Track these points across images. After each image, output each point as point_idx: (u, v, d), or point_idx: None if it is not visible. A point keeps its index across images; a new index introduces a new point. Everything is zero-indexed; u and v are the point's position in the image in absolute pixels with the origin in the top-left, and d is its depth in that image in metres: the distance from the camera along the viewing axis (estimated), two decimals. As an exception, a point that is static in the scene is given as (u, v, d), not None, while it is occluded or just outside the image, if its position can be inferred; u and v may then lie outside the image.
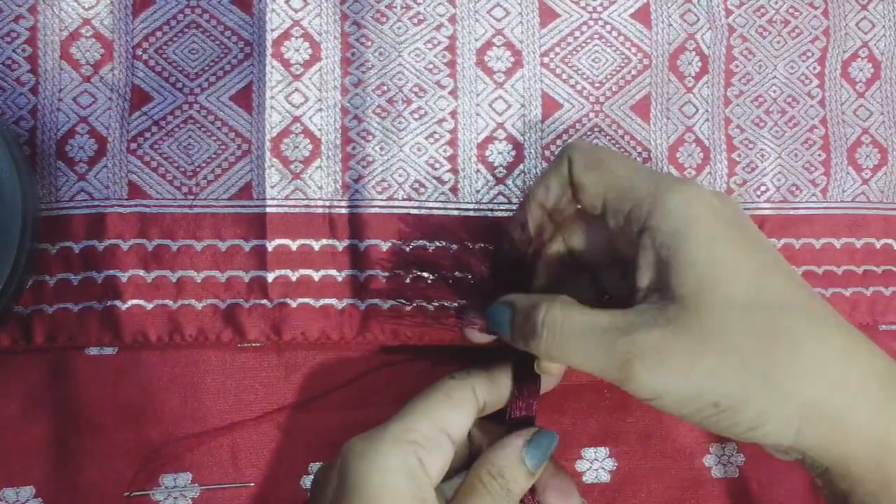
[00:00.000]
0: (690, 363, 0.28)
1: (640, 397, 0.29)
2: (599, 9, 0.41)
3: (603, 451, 0.40)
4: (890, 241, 0.42)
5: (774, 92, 0.42)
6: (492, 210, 0.38)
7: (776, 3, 0.43)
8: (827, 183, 0.42)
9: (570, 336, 0.30)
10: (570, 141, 0.37)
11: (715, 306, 0.28)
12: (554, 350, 0.30)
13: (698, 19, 0.42)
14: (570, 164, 0.32)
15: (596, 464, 0.40)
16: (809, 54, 0.43)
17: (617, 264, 0.33)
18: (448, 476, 0.32)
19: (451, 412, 0.32)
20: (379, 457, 0.30)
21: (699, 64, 0.42)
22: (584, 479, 0.39)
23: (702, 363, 0.28)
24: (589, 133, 0.40)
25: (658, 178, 0.31)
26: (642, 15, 0.41)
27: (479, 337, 0.34)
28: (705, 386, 0.28)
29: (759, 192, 0.41)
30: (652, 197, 0.30)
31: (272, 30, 0.38)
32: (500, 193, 0.38)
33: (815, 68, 0.43)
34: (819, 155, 0.42)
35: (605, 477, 0.40)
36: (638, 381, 0.28)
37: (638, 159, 0.40)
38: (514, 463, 0.32)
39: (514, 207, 0.38)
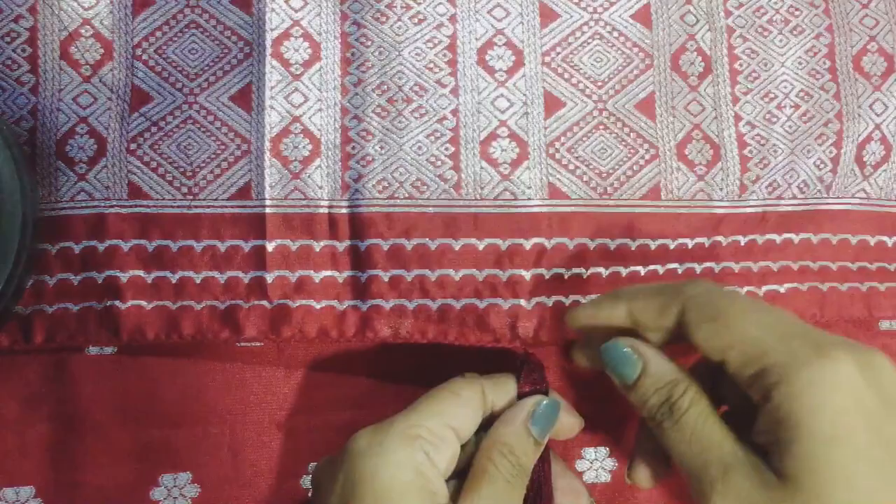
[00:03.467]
0: None
1: None
2: (600, 9, 0.41)
3: (603, 451, 0.40)
4: (884, 238, 0.42)
5: (785, 87, 0.42)
6: (498, 207, 0.38)
7: (776, 3, 0.43)
8: (832, 180, 0.41)
9: (681, 430, 0.30)
10: (687, 282, 0.33)
11: None
12: (662, 432, 0.31)
13: (697, 20, 0.42)
14: (683, 311, 0.31)
15: (596, 464, 0.40)
16: (816, 50, 0.43)
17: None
18: (459, 472, 0.33)
19: (457, 409, 0.33)
20: (385, 452, 0.30)
21: (702, 64, 0.41)
22: (584, 478, 0.39)
23: None
24: (594, 130, 0.39)
25: (794, 342, 0.28)
26: (643, 16, 0.41)
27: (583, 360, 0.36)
28: None
29: (770, 189, 0.41)
30: (782, 369, 0.28)
31: (272, 29, 0.38)
32: (505, 189, 0.38)
33: (825, 63, 0.43)
34: (830, 151, 0.41)
35: (605, 477, 0.40)
36: None
37: (646, 156, 0.39)
38: (521, 437, 0.32)
39: (521, 204, 0.38)
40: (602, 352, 0.33)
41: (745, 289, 0.39)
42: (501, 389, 0.34)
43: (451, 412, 0.32)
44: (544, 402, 0.34)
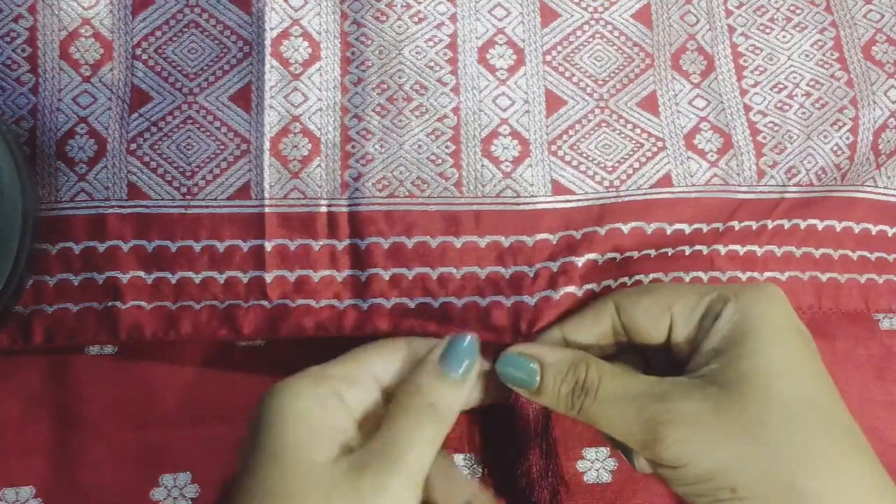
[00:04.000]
0: (723, 440, 0.28)
1: (663, 462, 0.29)
2: (600, 9, 0.41)
3: (604, 451, 0.40)
4: (885, 227, 0.42)
5: (795, 78, 0.42)
6: (501, 204, 0.38)
7: (776, 2, 0.43)
8: (849, 168, 0.41)
9: (604, 399, 0.31)
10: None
11: (763, 397, 0.29)
12: (588, 414, 0.31)
13: (698, 20, 0.41)
14: (617, 308, 0.33)
15: (597, 464, 0.40)
16: (822, 43, 0.42)
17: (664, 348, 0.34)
18: None
19: (376, 355, 0.32)
20: (289, 387, 0.29)
21: (703, 62, 0.41)
22: (585, 478, 0.39)
23: (735, 444, 0.28)
24: (596, 128, 0.39)
25: (727, 286, 0.33)
26: (643, 15, 0.41)
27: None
28: (732, 466, 0.28)
29: (789, 175, 0.40)
30: (728, 294, 0.31)
31: (271, 28, 0.38)
32: (507, 187, 0.38)
33: (833, 54, 0.42)
34: (847, 137, 0.41)
35: (606, 477, 0.39)
36: (666, 443, 0.29)
37: (653, 148, 0.39)
38: (430, 375, 0.31)
39: (525, 201, 0.38)
40: (499, 372, 0.33)
41: (747, 274, 0.39)
42: (430, 344, 0.33)
43: (369, 358, 0.32)
44: (455, 337, 0.32)
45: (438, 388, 0.31)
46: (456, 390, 0.31)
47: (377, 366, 0.32)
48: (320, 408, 0.29)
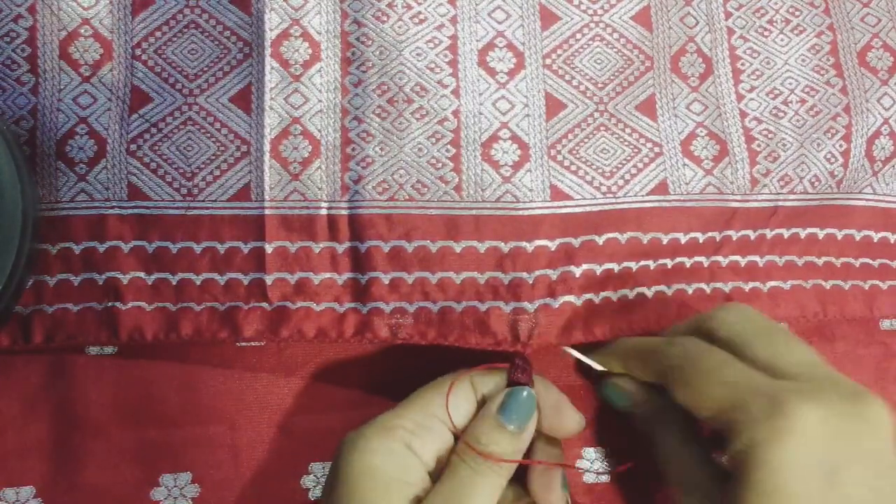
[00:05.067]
0: None
1: None
2: (600, 11, 0.41)
3: (604, 451, 0.40)
4: (887, 234, 0.42)
5: (790, 84, 0.42)
6: (500, 209, 0.38)
7: (776, 3, 0.43)
8: (843, 175, 0.41)
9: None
10: (667, 345, 0.34)
11: None
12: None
13: (697, 22, 0.42)
14: (664, 375, 0.33)
15: (596, 463, 0.40)
16: (819, 47, 0.43)
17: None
18: None
19: (443, 399, 0.33)
20: (363, 441, 0.31)
21: (702, 65, 0.41)
22: (584, 479, 0.39)
23: None
24: (595, 132, 0.39)
25: (756, 400, 0.29)
26: (643, 18, 0.41)
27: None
28: None
29: (782, 183, 0.40)
30: (740, 425, 0.29)
31: (271, 29, 0.38)
32: (507, 192, 0.38)
33: (829, 59, 0.42)
34: (840, 145, 0.41)
35: (605, 477, 0.40)
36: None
37: (650, 154, 0.39)
38: (490, 427, 0.33)
39: (524, 206, 0.38)
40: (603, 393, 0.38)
41: (750, 285, 0.39)
42: (492, 381, 0.35)
43: (438, 402, 0.33)
44: (514, 391, 0.34)
45: (497, 440, 0.33)
46: (514, 441, 0.33)
47: (443, 410, 0.33)
48: (392, 464, 0.31)
